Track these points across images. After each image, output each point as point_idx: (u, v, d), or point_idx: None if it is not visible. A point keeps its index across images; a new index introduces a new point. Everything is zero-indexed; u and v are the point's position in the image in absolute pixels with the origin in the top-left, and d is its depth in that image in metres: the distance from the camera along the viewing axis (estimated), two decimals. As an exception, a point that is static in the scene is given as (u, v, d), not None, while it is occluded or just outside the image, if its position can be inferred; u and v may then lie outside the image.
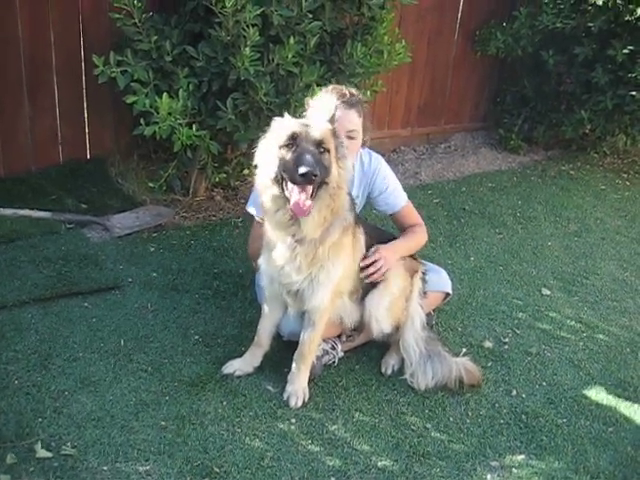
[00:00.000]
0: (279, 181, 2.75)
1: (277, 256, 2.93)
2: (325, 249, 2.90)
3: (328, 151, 2.75)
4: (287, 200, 2.73)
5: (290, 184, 2.70)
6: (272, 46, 4.22)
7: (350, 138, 3.24)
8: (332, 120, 2.88)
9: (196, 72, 4.24)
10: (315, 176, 2.62)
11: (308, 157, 2.63)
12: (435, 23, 6.32)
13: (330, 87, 3.38)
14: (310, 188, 2.69)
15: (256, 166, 2.89)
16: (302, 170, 2.59)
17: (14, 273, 3.76)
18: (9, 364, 3.10)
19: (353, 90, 3.37)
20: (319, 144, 2.72)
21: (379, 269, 3.18)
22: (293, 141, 2.71)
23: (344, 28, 4.81)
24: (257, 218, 3.33)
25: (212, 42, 4.18)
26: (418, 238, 3.54)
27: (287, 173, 2.69)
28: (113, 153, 4.95)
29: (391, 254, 3.25)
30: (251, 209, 3.41)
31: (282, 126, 2.79)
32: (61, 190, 4.63)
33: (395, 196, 3.58)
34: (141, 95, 4.11)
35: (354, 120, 3.27)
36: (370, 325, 3.26)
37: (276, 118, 2.90)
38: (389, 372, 3.39)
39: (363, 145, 3.46)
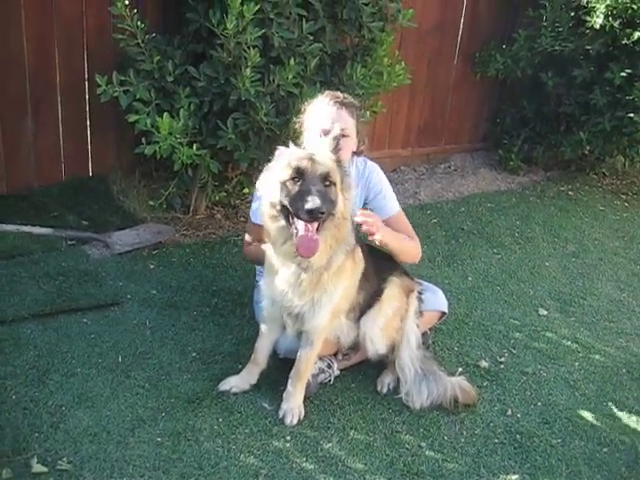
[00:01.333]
0: (285, 213, 2.76)
1: (280, 282, 2.95)
2: (330, 275, 2.93)
3: (334, 184, 2.77)
4: (293, 232, 2.74)
5: (296, 218, 2.72)
6: (273, 67, 4.28)
7: (342, 136, 3.24)
8: (336, 150, 2.89)
9: (197, 92, 4.30)
10: (322, 213, 2.64)
11: (314, 194, 2.64)
12: (435, 45, 6.39)
13: (325, 92, 3.44)
14: (316, 223, 2.71)
15: (260, 197, 2.91)
16: (308, 207, 2.61)
17: (14, 289, 3.80)
18: (7, 379, 3.13)
19: (348, 95, 3.43)
20: (325, 178, 2.74)
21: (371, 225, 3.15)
22: (299, 175, 2.72)
23: (344, 50, 4.88)
24: (253, 221, 3.37)
25: (214, 63, 4.24)
26: (411, 244, 3.52)
27: (293, 208, 2.70)
28: (115, 171, 5.00)
29: (384, 228, 3.24)
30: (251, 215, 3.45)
31: (287, 158, 2.80)
32: (63, 207, 4.67)
33: (389, 200, 3.60)
34: (143, 114, 4.17)
35: (346, 118, 3.31)
36: (365, 346, 3.29)
37: (280, 147, 2.91)
38: (384, 391, 3.40)
39: (359, 154, 3.52)
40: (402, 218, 3.62)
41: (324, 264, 2.87)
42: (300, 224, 2.70)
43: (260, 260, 3.22)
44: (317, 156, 2.79)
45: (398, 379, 3.38)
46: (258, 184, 2.97)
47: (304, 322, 3.03)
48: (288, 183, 2.73)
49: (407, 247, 3.47)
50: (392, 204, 3.61)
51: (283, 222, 2.78)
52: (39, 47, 4.52)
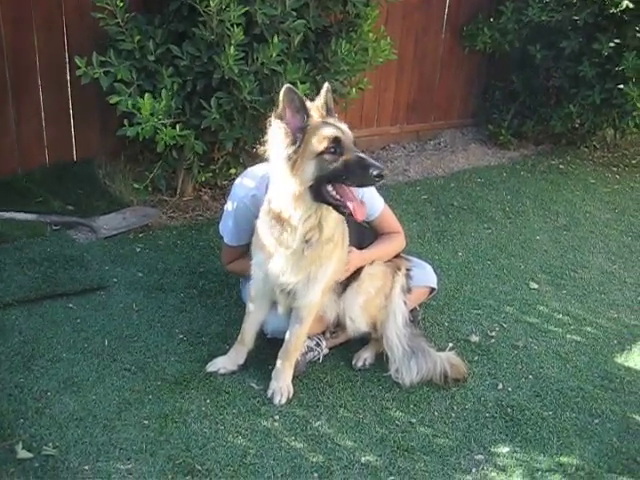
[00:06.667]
0: (316, 188, 2.71)
1: (279, 260, 2.91)
2: (330, 247, 2.91)
3: None
4: (329, 205, 2.74)
5: (338, 189, 2.70)
6: (256, 45, 4.21)
7: None
8: (331, 112, 2.83)
9: (180, 71, 4.23)
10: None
11: (372, 159, 2.67)
12: (422, 20, 6.32)
13: None
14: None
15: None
16: (377, 172, 2.62)
17: (-2, 275, 3.76)
18: (-9, 366, 3.10)
19: None
20: (355, 144, 2.76)
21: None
22: (336, 144, 2.67)
23: (329, 26, 4.80)
24: (228, 244, 3.41)
25: (196, 41, 4.17)
26: (393, 245, 3.47)
27: (349, 177, 2.66)
28: (100, 155, 4.94)
29: (357, 260, 3.25)
30: (224, 235, 3.45)
31: (316, 131, 2.70)
32: (47, 192, 4.62)
33: (371, 205, 3.41)
34: (124, 95, 4.10)
35: None
36: (345, 324, 3.28)
37: (273, 120, 2.76)
38: (359, 364, 3.38)
39: None
40: (387, 214, 3.51)
41: (330, 236, 2.88)
42: (347, 193, 2.72)
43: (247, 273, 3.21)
44: (340, 126, 2.76)
45: (377, 356, 3.39)
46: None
47: (296, 298, 3.02)
48: (326, 156, 2.68)
49: (387, 253, 3.44)
50: (375, 206, 3.45)
51: (311, 197, 2.72)
52: (17, 30, 4.44)
